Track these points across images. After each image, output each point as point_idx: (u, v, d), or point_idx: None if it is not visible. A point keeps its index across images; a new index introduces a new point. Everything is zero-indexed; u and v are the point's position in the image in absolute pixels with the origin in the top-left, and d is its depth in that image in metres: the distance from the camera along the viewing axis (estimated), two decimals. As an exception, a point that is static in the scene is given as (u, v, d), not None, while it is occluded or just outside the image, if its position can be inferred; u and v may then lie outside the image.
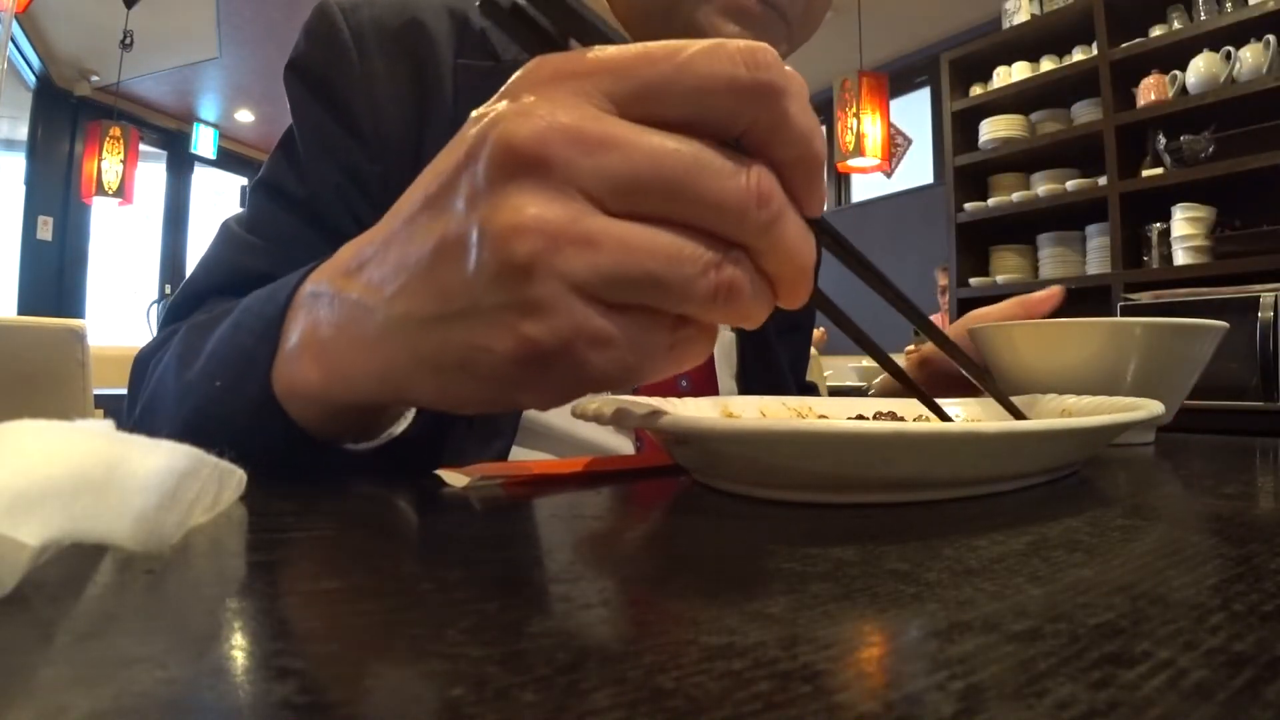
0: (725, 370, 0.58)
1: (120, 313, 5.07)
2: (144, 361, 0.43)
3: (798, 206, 0.21)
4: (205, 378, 0.32)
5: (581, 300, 0.20)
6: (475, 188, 0.20)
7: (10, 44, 3.31)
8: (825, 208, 0.23)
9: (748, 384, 0.59)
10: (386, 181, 0.49)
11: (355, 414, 0.30)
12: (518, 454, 0.48)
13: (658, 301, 0.20)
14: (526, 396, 0.23)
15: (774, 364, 0.60)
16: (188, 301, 0.47)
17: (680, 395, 0.51)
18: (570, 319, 0.20)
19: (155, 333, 0.50)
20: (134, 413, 0.41)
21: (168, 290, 5.15)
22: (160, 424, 0.35)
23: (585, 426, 0.50)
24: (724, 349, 0.58)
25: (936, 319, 3.46)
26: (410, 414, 0.33)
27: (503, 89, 0.21)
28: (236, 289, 0.40)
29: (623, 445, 0.51)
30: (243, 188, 5.43)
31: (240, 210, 0.52)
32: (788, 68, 0.20)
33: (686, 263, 0.20)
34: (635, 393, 0.50)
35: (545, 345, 0.20)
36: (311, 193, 0.49)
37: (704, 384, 0.54)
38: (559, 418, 0.49)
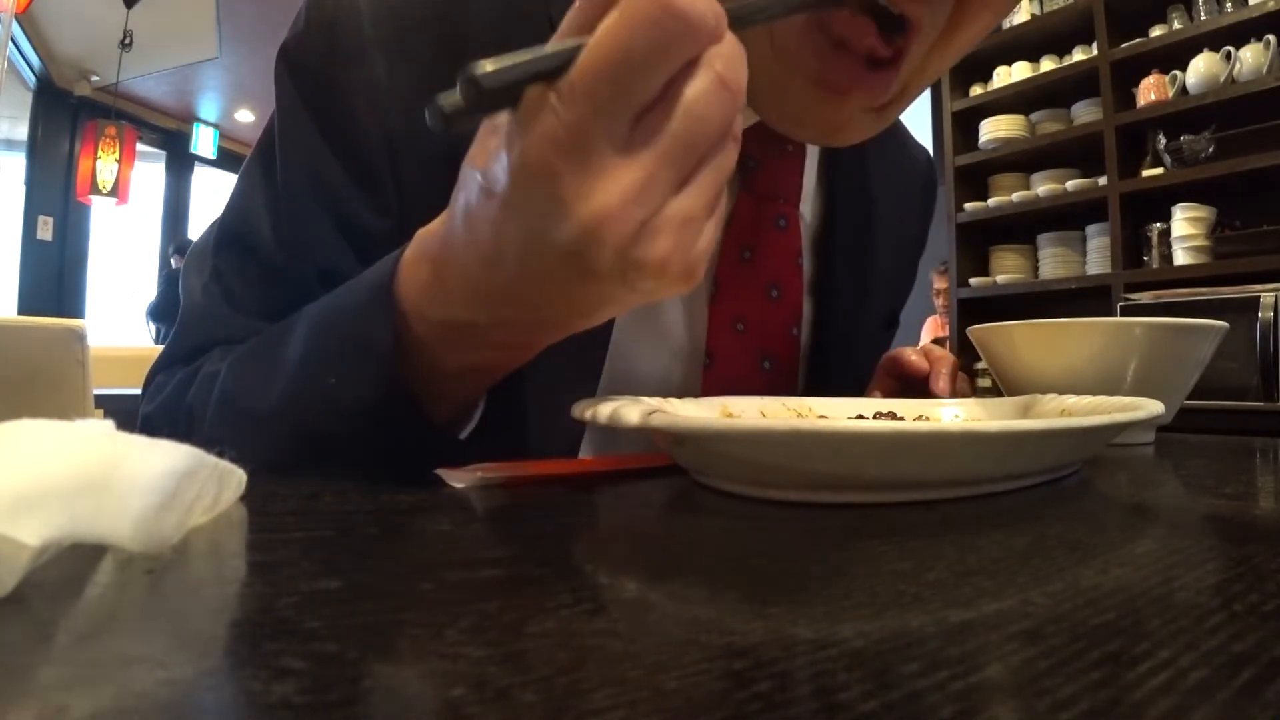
0: (801, 369, 0.53)
1: (120, 313, 5.08)
2: (162, 415, 0.41)
3: None
4: (308, 380, 0.33)
5: (664, 210, 0.24)
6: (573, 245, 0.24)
7: (10, 44, 3.32)
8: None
9: (824, 379, 0.53)
10: (370, 202, 0.41)
11: (461, 364, 0.32)
12: (585, 453, 0.46)
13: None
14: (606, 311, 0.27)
15: (855, 362, 0.54)
16: (174, 355, 0.44)
17: (762, 378, 0.48)
18: (671, 232, 0.24)
19: (154, 337, 0.48)
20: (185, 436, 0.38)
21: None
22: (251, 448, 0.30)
23: (668, 382, 0.46)
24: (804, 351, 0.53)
25: (933, 321, 3.47)
26: (482, 402, 0.36)
27: None
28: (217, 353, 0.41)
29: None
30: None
31: (206, 245, 0.45)
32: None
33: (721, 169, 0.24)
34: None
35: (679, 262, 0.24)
36: (273, 242, 0.41)
37: (789, 367, 0.50)
38: (647, 367, 0.46)
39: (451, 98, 0.21)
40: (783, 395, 0.45)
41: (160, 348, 0.50)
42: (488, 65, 0.21)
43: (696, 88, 0.23)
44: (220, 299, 0.43)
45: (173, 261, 4.87)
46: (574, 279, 0.25)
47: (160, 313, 4.69)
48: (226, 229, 0.44)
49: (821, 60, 0.37)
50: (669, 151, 0.23)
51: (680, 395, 0.36)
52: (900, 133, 0.64)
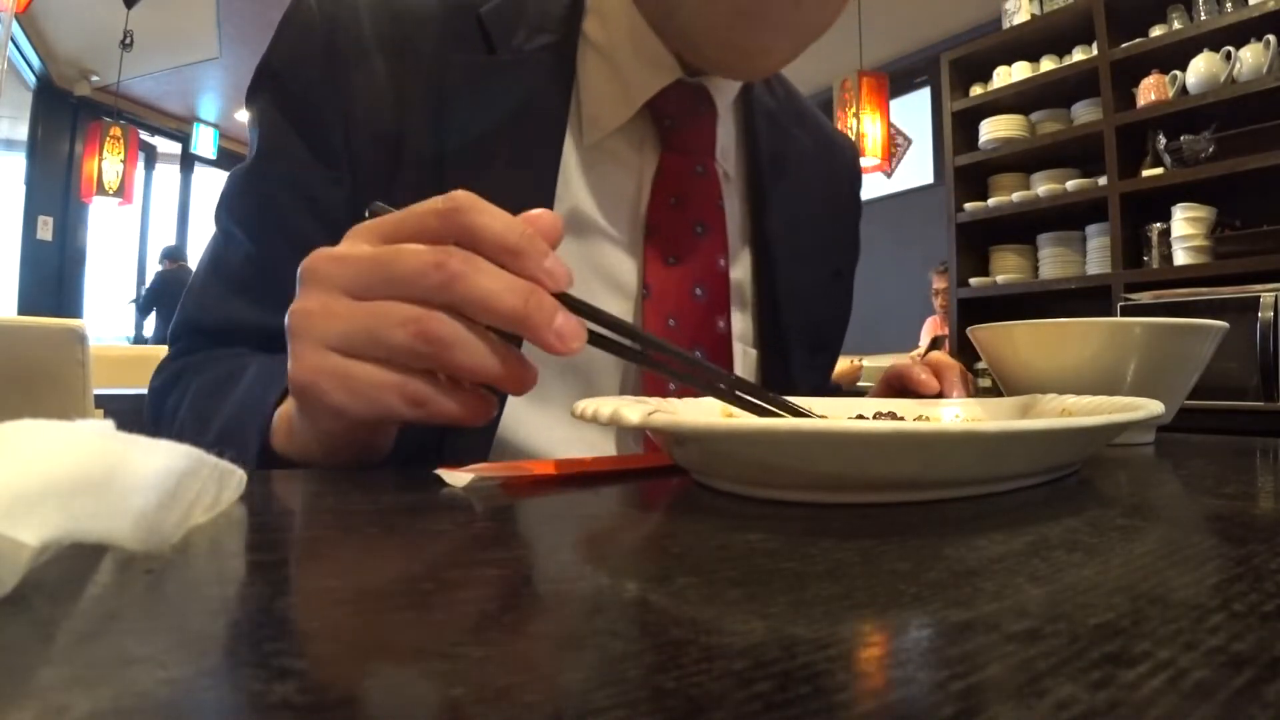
0: (742, 346, 0.56)
1: (120, 313, 5.09)
2: (159, 393, 0.48)
3: (539, 283, 0.29)
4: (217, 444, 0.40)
5: (327, 350, 0.30)
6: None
7: (10, 44, 3.31)
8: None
9: (776, 325, 0.58)
10: (355, 204, 0.46)
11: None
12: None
13: (376, 349, 0.29)
14: (319, 424, 0.32)
15: (793, 385, 0.58)
16: (176, 331, 0.51)
17: (695, 305, 0.52)
18: (311, 360, 0.30)
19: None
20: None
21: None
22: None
23: (568, 445, 0.48)
24: (748, 369, 0.57)
25: (933, 321, 3.47)
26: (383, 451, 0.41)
27: None
28: (215, 330, 0.49)
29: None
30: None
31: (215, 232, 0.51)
32: (536, 213, 0.31)
33: (388, 316, 0.28)
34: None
35: (300, 380, 0.30)
36: (257, 238, 0.48)
37: (720, 353, 0.53)
38: (539, 438, 0.48)
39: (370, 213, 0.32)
40: (715, 320, 0.52)
41: (146, 340, 0.59)
42: (379, 206, 0.32)
43: (411, 249, 0.29)
44: (215, 285, 0.49)
45: (161, 266, 4.95)
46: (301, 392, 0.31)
47: (145, 308, 4.94)
48: (215, 217, 0.51)
49: None
50: (361, 272, 0.29)
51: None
52: (823, 119, 0.72)
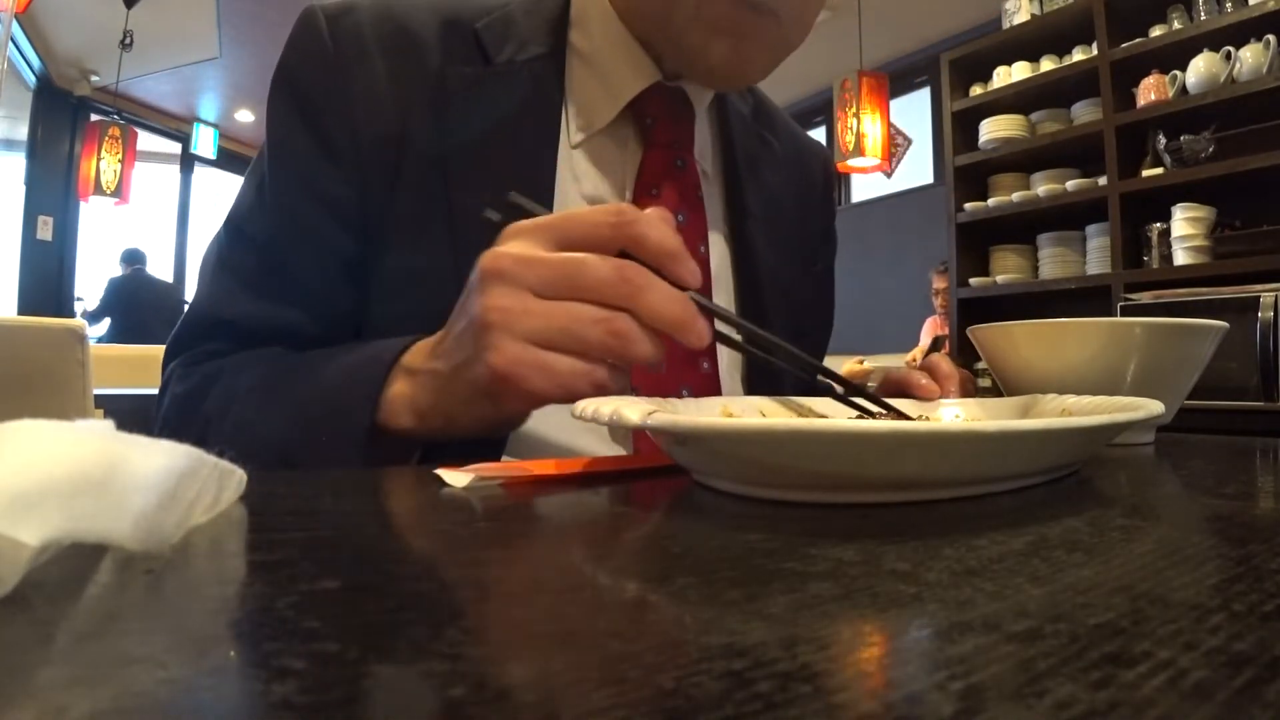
0: (734, 378, 0.59)
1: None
2: (191, 396, 0.48)
3: (676, 284, 0.35)
4: (305, 429, 0.42)
5: (523, 343, 0.34)
6: (471, 292, 0.36)
7: (10, 44, 3.31)
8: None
9: (752, 389, 0.60)
10: (363, 202, 0.49)
11: (412, 445, 0.42)
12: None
13: (572, 343, 0.34)
14: (506, 407, 0.37)
15: (776, 373, 0.61)
16: (191, 333, 0.52)
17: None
18: (514, 352, 0.34)
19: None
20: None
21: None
22: (246, 454, 0.42)
23: (579, 439, 0.50)
24: (733, 358, 0.59)
25: (933, 321, 3.47)
26: (416, 456, 0.44)
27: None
28: (225, 332, 0.50)
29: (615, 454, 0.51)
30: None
31: (220, 240, 0.53)
32: (648, 212, 0.36)
33: (583, 318, 0.34)
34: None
35: (500, 368, 0.34)
36: (271, 237, 0.50)
37: (706, 392, 0.55)
38: (553, 430, 0.49)
39: (494, 212, 0.38)
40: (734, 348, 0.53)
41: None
42: (516, 197, 0.38)
43: (596, 261, 0.34)
44: (229, 282, 0.50)
45: (119, 269, 4.78)
46: (469, 378, 0.36)
47: (97, 316, 4.61)
48: (226, 218, 0.52)
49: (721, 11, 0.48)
50: (548, 278, 0.34)
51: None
52: (795, 126, 0.76)
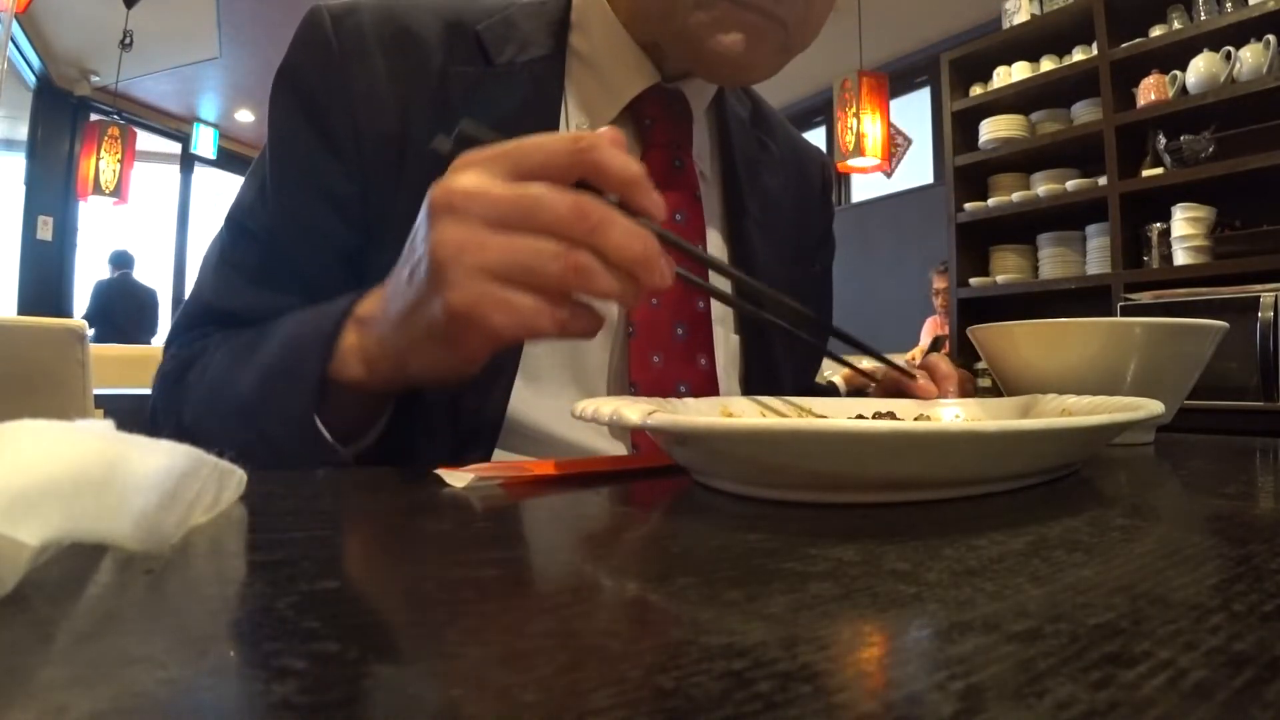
0: (732, 375, 0.59)
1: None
2: (173, 375, 0.49)
3: (640, 212, 0.33)
4: (261, 384, 0.42)
5: (482, 279, 0.31)
6: (419, 229, 0.34)
7: (10, 44, 3.31)
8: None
9: (751, 389, 0.60)
10: (366, 199, 0.49)
11: (369, 403, 0.42)
12: (500, 457, 0.48)
13: (531, 278, 0.32)
14: (462, 349, 0.34)
15: (776, 372, 0.61)
16: (189, 323, 0.53)
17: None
18: (474, 288, 0.32)
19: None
20: (177, 418, 0.47)
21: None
22: (216, 414, 0.44)
23: (574, 430, 0.50)
24: (729, 356, 0.58)
25: (933, 321, 3.47)
26: (381, 423, 0.44)
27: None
28: (223, 321, 0.50)
29: (614, 450, 0.51)
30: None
31: (221, 235, 0.53)
32: (603, 131, 0.33)
33: (543, 252, 0.31)
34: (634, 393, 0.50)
35: (459, 306, 0.32)
36: (273, 231, 0.50)
37: (704, 388, 0.55)
38: (548, 420, 0.49)
39: (445, 141, 0.35)
40: (694, 301, 0.54)
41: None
42: (470, 123, 0.35)
43: (553, 195, 0.31)
44: (230, 275, 0.51)
45: (108, 271, 4.74)
46: (422, 309, 0.34)
47: (93, 320, 4.50)
48: (228, 214, 0.53)
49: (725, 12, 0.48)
50: (502, 212, 0.32)
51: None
52: (793, 130, 0.76)
